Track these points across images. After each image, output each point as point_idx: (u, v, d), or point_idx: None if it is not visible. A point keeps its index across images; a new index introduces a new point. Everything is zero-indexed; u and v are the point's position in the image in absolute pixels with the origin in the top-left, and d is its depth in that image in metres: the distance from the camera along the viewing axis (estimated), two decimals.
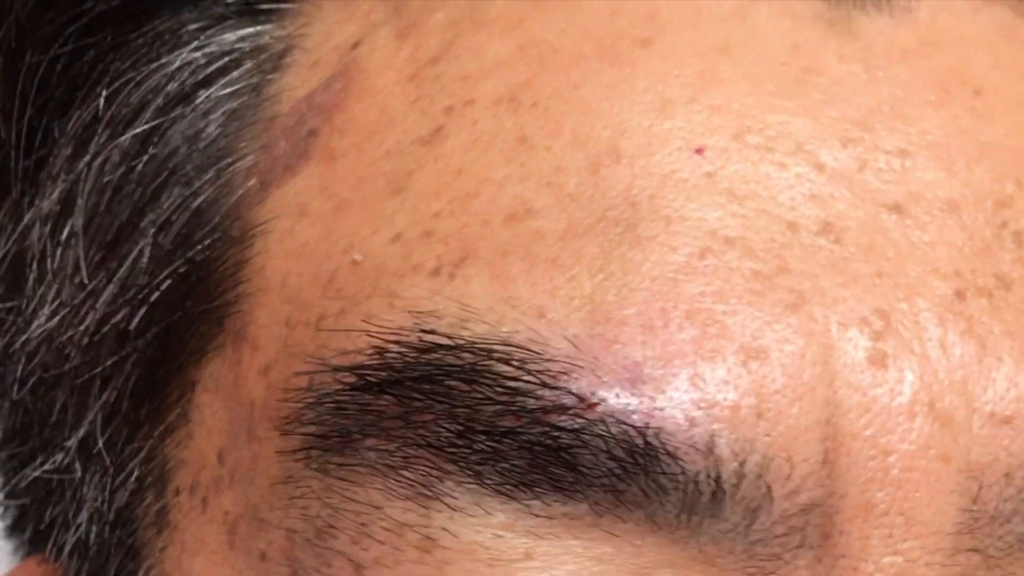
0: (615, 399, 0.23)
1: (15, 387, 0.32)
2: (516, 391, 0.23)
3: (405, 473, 0.24)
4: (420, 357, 0.24)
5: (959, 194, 0.25)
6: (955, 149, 0.26)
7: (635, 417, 0.23)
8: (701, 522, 0.23)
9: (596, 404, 0.23)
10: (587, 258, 0.24)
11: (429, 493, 0.24)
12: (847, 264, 0.24)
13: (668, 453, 0.23)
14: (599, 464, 0.23)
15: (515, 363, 0.23)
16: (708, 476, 0.23)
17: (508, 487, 0.23)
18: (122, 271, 0.29)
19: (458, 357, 0.24)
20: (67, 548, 0.31)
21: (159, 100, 0.29)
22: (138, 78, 0.29)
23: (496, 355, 0.23)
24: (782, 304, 0.24)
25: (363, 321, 0.25)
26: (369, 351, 0.24)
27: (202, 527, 0.28)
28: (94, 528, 0.30)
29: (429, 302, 0.24)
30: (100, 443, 0.30)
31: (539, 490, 0.23)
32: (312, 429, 0.25)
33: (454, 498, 0.24)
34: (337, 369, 0.24)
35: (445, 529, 0.24)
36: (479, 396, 0.23)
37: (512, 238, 0.25)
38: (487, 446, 0.23)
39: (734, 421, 0.23)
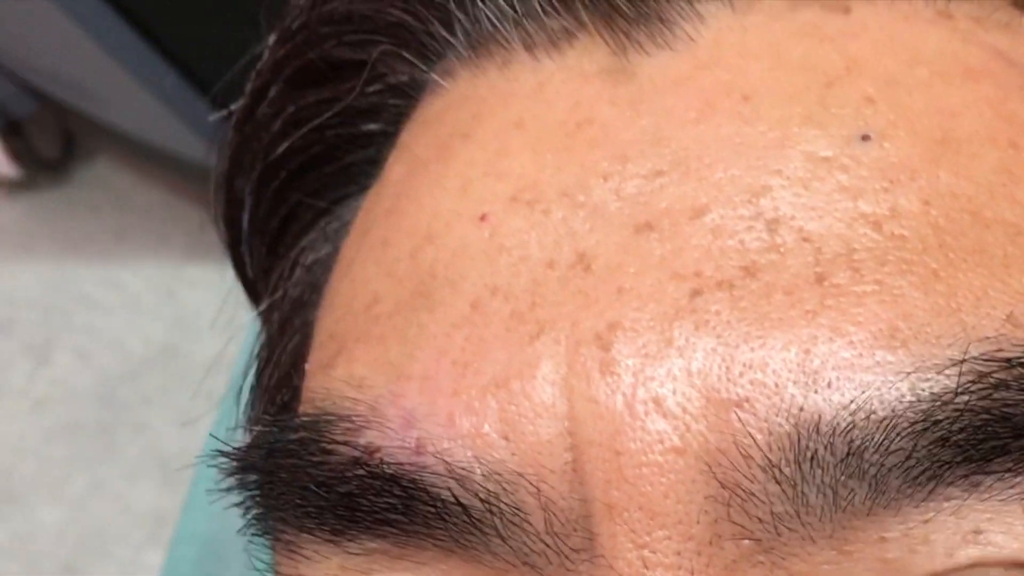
0: (389, 444, 0.26)
1: None
2: (328, 452, 0.27)
3: (279, 534, 0.29)
4: (278, 436, 0.29)
5: (710, 197, 0.26)
6: (712, 156, 0.26)
7: (402, 458, 0.26)
8: (476, 543, 0.26)
9: (376, 452, 0.27)
10: (398, 329, 0.28)
11: (291, 549, 0.28)
12: (592, 288, 0.26)
13: (426, 486, 0.26)
14: (376, 505, 0.26)
15: (329, 430, 0.27)
16: (459, 502, 0.25)
17: (328, 534, 0.27)
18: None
19: (298, 432, 0.28)
20: None
21: (302, 268, 0.36)
22: (296, 252, 0.37)
23: (319, 425, 0.28)
24: (528, 335, 0.26)
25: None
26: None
27: None
28: None
29: (316, 392, 0.29)
30: None
31: (351, 533, 0.27)
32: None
33: (303, 547, 0.28)
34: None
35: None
36: (301, 463, 0.28)
37: (364, 325, 0.29)
38: (302, 502, 0.27)
39: (483, 447, 0.26)
